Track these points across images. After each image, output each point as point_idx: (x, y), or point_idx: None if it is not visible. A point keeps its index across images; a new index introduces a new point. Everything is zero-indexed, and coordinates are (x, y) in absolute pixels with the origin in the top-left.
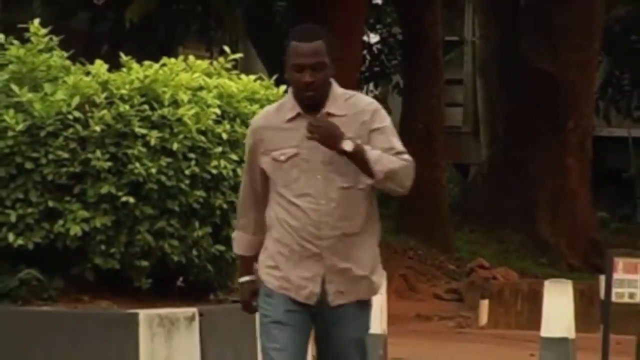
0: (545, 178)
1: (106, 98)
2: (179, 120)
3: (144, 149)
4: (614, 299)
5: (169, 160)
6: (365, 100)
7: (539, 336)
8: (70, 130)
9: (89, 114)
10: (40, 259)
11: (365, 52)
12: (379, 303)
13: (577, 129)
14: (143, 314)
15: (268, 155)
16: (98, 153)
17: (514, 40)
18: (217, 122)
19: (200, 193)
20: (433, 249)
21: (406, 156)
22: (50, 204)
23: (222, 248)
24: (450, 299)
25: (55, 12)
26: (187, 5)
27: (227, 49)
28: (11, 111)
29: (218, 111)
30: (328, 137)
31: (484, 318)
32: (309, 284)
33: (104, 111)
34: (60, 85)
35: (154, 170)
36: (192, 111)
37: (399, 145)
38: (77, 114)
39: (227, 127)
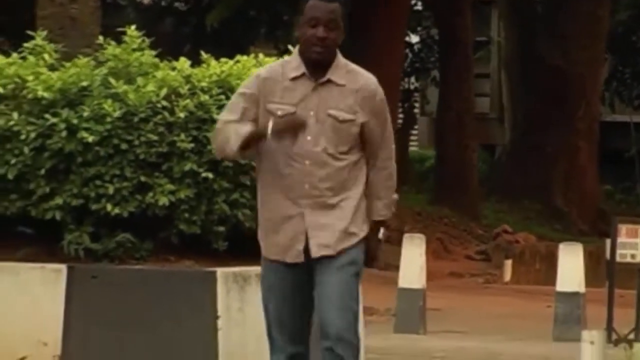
0: (559, 157)
1: (189, 89)
2: None
3: None
4: (618, 259)
5: None
6: (365, 78)
7: (554, 290)
8: (159, 116)
9: (175, 103)
10: (134, 225)
11: (407, 50)
12: (419, 263)
13: (586, 116)
14: (220, 271)
15: (265, 108)
16: (182, 136)
17: (532, 41)
18: None
19: None
20: (464, 217)
21: (394, 165)
22: (142, 178)
23: None
24: (479, 259)
25: (145, 17)
26: (258, 11)
27: (290, 47)
28: (109, 100)
29: None
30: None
31: (507, 275)
32: (294, 243)
33: (187, 100)
34: (151, 79)
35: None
36: None
37: (392, 149)
38: (164, 103)
39: None
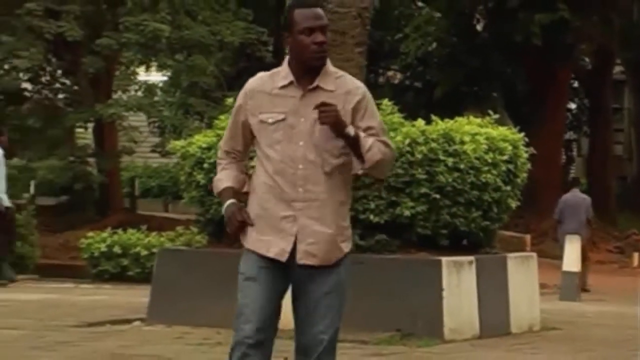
0: None
1: (424, 140)
2: (464, 151)
3: (444, 168)
4: None
5: (458, 174)
6: (353, 82)
7: None
8: (403, 157)
9: (414, 148)
10: (387, 229)
11: (568, 113)
12: (576, 254)
13: None
14: (444, 260)
15: (256, 117)
16: (419, 170)
17: None
18: (485, 152)
19: (475, 192)
20: (607, 224)
21: (390, 148)
22: (393, 198)
23: (487, 223)
24: (616, 252)
25: (395, 92)
26: (467, 87)
27: (490, 112)
28: None
29: (485, 146)
30: (338, 121)
31: (635, 262)
32: (280, 242)
33: (422, 147)
34: (398, 133)
35: (450, 180)
36: (472, 146)
37: (386, 136)
38: (407, 148)
39: (491, 155)
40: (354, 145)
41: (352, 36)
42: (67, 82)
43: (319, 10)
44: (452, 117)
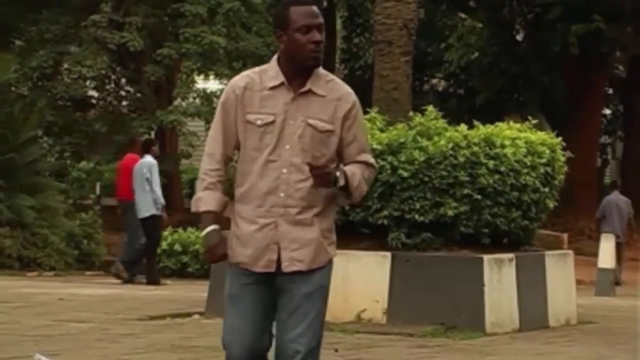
0: None
1: (466, 144)
2: (505, 155)
3: (486, 170)
4: None
5: (499, 176)
6: (344, 88)
7: None
8: (447, 160)
9: (457, 152)
10: (432, 228)
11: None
12: (610, 252)
13: None
14: (486, 257)
15: (243, 117)
16: (462, 172)
17: None
18: (525, 155)
19: (515, 194)
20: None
21: (374, 167)
22: (437, 199)
23: (527, 223)
24: None
25: (439, 98)
26: (507, 94)
27: (529, 117)
28: (417, 150)
29: (525, 150)
30: (329, 181)
31: None
32: (266, 252)
33: (465, 150)
34: (442, 137)
35: (491, 181)
36: (512, 150)
37: (370, 154)
38: (451, 152)
39: (530, 158)
40: (344, 189)
41: (399, 46)
42: (131, 89)
43: (315, 8)
44: (493, 123)
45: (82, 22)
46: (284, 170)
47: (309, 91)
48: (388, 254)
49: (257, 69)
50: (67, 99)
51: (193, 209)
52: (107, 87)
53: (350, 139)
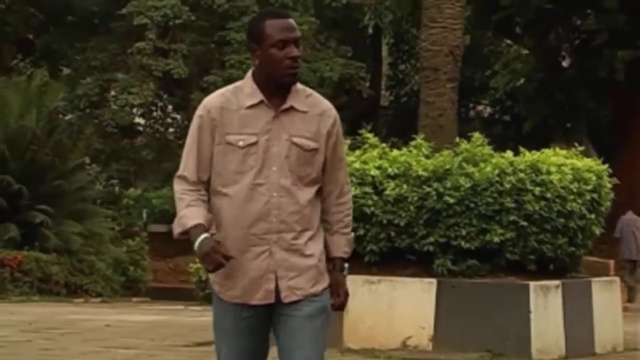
0: None
1: (512, 170)
2: (551, 181)
3: (532, 197)
4: None
5: (545, 202)
6: (325, 103)
7: None
8: (492, 187)
9: (503, 178)
10: (478, 254)
11: None
12: None
13: None
14: (532, 284)
15: (222, 138)
16: (508, 199)
17: None
18: (571, 182)
19: (562, 220)
20: None
21: (350, 195)
22: (483, 225)
23: (573, 249)
24: None
25: (484, 125)
26: (555, 121)
27: (576, 144)
28: (463, 177)
29: (571, 176)
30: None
31: None
32: (262, 283)
33: (511, 177)
34: (488, 164)
35: (537, 208)
36: (558, 176)
37: (346, 175)
38: (497, 178)
39: (577, 185)
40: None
41: (445, 72)
42: (178, 117)
43: (292, 21)
44: (539, 149)
45: (128, 49)
46: (274, 194)
47: (291, 108)
48: (434, 281)
49: (230, 87)
50: (114, 126)
51: (178, 230)
52: (154, 114)
53: (337, 164)
